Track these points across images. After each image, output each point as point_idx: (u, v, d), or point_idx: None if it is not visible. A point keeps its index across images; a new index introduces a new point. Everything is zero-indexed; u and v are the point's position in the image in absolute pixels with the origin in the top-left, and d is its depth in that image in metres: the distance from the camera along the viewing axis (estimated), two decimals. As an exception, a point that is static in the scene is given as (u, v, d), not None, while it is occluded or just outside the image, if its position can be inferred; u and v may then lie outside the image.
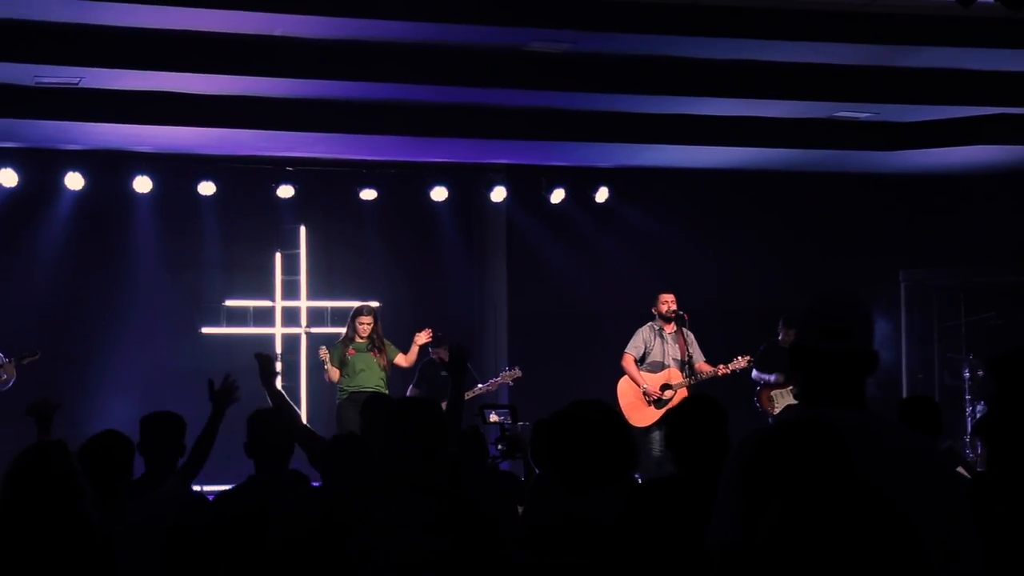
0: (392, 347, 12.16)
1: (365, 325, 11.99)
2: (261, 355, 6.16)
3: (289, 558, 4.50)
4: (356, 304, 12.50)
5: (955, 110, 12.18)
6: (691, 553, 3.78)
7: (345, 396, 11.86)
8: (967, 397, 13.47)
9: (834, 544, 2.67)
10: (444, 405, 12.48)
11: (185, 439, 5.92)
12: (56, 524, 4.49)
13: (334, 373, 11.98)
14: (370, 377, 11.92)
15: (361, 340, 12.00)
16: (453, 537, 3.95)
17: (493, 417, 8.49)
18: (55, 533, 4.48)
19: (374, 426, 5.66)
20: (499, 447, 7.66)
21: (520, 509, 5.77)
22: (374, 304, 12.70)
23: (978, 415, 13.14)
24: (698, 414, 4.53)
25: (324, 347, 12.30)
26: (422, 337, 12.17)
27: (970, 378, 13.60)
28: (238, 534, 5.18)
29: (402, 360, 12.19)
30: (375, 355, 11.97)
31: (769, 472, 2.87)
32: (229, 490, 5.61)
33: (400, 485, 4.10)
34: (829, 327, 3.33)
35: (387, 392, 11.67)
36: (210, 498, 5.99)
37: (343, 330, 12.28)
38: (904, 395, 14.07)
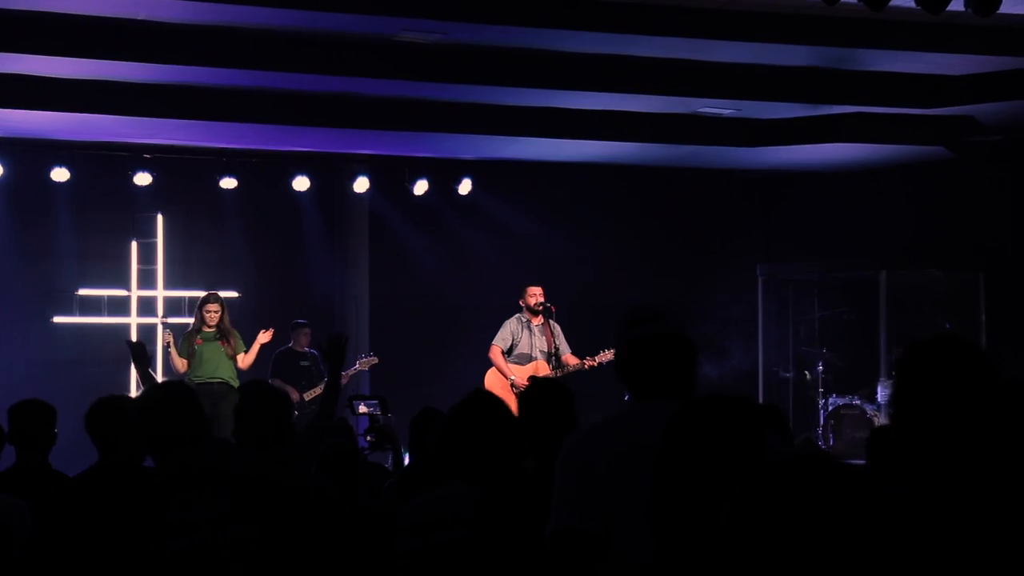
0: (240, 340, 11.97)
1: (213, 313, 11.83)
2: (132, 342, 6.12)
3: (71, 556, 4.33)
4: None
5: (813, 108, 12.40)
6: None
7: (192, 388, 11.65)
8: (820, 390, 13.73)
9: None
10: (307, 395, 12.28)
11: (56, 427, 5.75)
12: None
13: (180, 363, 11.80)
14: (218, 367, 11.76)
15: (209, 329, 11.83)
16: (263, 524, 3.87)
17: (362, 408, 8.42)
18: None
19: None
20: (368, 438, 7.60)
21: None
22: (222, 293, 12.46)
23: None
24: (550, 398, 4.44)
25: (169, 330, 12.11)
26: (264, 337, 12.00)
27: (823, 371, 13.87)
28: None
29: (240, 360, 11.96)
30: (223, 344, 11.81)
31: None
32: None
33: (193, 478, 4.00)
34: (637, 316, 3.49)
35: (236, 383, 11.53)
36: None
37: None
38: (760, 387, 14.34)
